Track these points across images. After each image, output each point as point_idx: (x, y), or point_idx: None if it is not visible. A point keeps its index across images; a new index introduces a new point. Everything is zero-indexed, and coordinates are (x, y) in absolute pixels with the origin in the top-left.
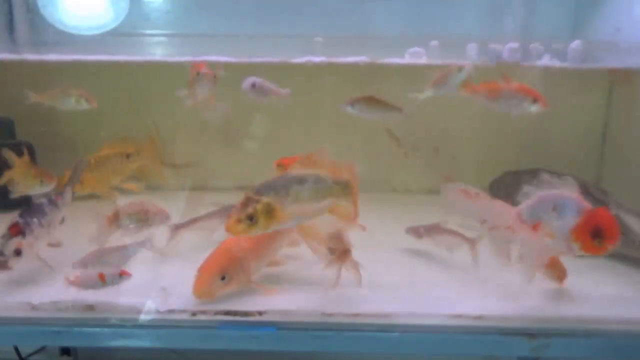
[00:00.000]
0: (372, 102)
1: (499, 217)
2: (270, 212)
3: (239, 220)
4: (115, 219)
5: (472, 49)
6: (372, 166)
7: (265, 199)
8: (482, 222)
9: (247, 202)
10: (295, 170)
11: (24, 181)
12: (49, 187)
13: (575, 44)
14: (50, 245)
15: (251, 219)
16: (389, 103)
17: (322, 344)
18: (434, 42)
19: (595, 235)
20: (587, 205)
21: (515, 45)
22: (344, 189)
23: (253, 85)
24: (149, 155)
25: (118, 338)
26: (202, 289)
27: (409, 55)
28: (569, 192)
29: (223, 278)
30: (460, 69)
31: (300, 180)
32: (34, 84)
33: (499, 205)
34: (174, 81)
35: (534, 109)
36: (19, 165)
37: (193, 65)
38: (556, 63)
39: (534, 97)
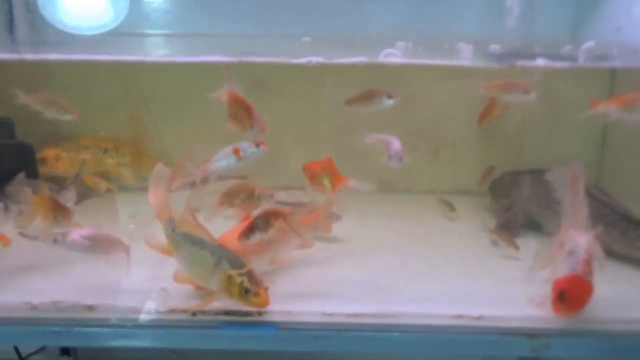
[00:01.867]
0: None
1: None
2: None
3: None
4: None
5: (461, 48)
6: (372, 166)
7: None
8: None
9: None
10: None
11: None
12: (65, 223)
13: (588, 45)
14: (21, 234)
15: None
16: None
17: (322, 344)
18: (401, 43)
19: (560, 296)
20: (582, 269)
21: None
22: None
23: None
24: (131, 155)
25: (118, 338)
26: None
27: (383, 56)
28: (586, 250)
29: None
30: None
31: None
32: (34, 84)
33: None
34: (174, 81)
35: None
36: (37, 203)
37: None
38: (559, 64)
39: None
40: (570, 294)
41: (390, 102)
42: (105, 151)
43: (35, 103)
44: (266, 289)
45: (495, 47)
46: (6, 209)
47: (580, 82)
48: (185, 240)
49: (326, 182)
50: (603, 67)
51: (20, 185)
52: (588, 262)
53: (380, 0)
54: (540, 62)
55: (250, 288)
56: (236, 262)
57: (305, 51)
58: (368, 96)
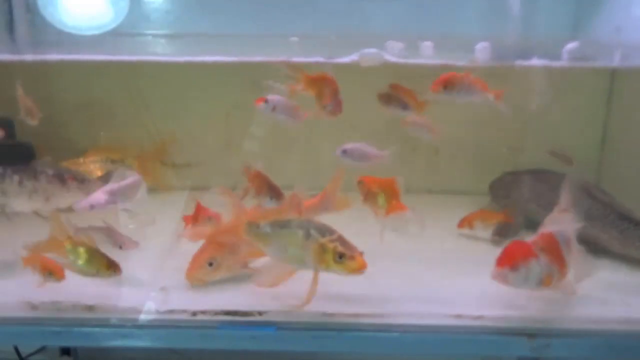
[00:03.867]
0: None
1: None
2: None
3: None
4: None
5: (426, 48)
6: (371, 167)
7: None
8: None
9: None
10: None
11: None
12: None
13: (572, 45)
14: (36, 213)
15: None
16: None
17: (322, 344)
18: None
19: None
20: (535, 240)
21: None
22: None
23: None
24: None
25: (118, 338)
26: (193, 274)
27: (359, 56)
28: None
29: (211, 264)
30: None
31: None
32: (34, 84)
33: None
34: (174, 81)
35: None
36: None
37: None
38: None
39: None
40: (503, 253)
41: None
42: (113, 162)
43: (23, 100)
44: (361, 253)
45: (482, 45)
46: (21, 183)
47: (580, 82)
48: (273, 229)
49: (381, 202)
50: (603, 67)
51: (44, 165)
52: (547, 238)
53: (381, 0)
54: (539, 62)
55: (344, 252)
56: (325, 229)
57: (306, 51)
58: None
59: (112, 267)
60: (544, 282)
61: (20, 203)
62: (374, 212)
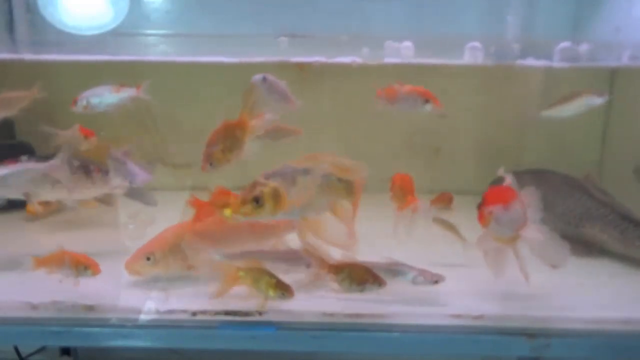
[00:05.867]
0: None
1: None
2: (276, 197)
3: (245, 202)
4: None
5: (406, 48)
6: (371, 167)
7: (272, 184)
8: None
9: (254, 186)
10: (303, 162)
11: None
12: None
13: (564, 45)
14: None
15: (257, 201)
16: None
17: (322, 344)
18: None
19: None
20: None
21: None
22: (348, 188)
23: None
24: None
25: (118, 338)
26: (129, 265)
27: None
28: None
29: (148, 259)
30: None
31: (307, 172)
32: (34, 84)
33: None
34: (174, 81)
35: None
36: None
37: None
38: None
39: None
40: (490, 195)
41: (601, 100)
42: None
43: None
44: None
45: (472, 45)
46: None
47: (580, 82)
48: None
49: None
50: (603, 66)
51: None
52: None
53: (380, 0)
54: (538, 62)
55: None
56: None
57: (307, 51)
58: (572, 98)
59: (280, 288)
60: (520, 226)
61: (43, 192)
62: (396, 206)
